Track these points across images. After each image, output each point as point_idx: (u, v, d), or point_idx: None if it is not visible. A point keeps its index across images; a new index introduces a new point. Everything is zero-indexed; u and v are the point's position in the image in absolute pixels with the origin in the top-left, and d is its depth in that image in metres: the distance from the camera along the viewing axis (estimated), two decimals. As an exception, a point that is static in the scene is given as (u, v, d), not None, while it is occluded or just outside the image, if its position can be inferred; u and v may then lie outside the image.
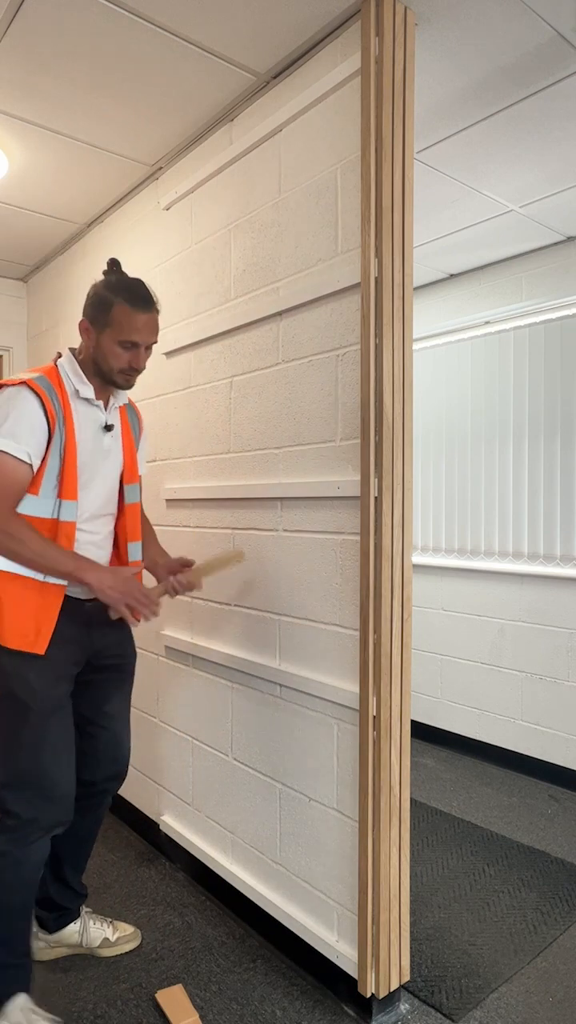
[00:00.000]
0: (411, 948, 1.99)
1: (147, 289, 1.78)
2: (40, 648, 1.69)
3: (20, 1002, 1.67)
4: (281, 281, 2.00)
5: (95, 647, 1.84)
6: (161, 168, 2.52)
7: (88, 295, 1.79)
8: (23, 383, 1.68)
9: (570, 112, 2.15)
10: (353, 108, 1.74)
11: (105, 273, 1.83)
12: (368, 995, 1.72)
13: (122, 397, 1.90)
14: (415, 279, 3.73)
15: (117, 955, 1.99)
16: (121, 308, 1.73)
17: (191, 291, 2.38)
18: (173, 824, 2.46)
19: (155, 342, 1.82)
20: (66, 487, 1.72)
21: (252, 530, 2.11)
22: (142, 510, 2.02)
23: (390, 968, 1.74)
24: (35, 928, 1.97)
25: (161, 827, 2.52)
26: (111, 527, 1.90)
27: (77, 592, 1.76)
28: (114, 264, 1.84)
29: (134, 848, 2.60)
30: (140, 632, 2.67)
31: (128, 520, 1.93)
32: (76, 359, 1.81)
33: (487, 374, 3.56)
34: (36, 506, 1.69)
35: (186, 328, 2.40)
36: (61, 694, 1.76)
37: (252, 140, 2.06)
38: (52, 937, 1.97)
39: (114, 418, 1.87)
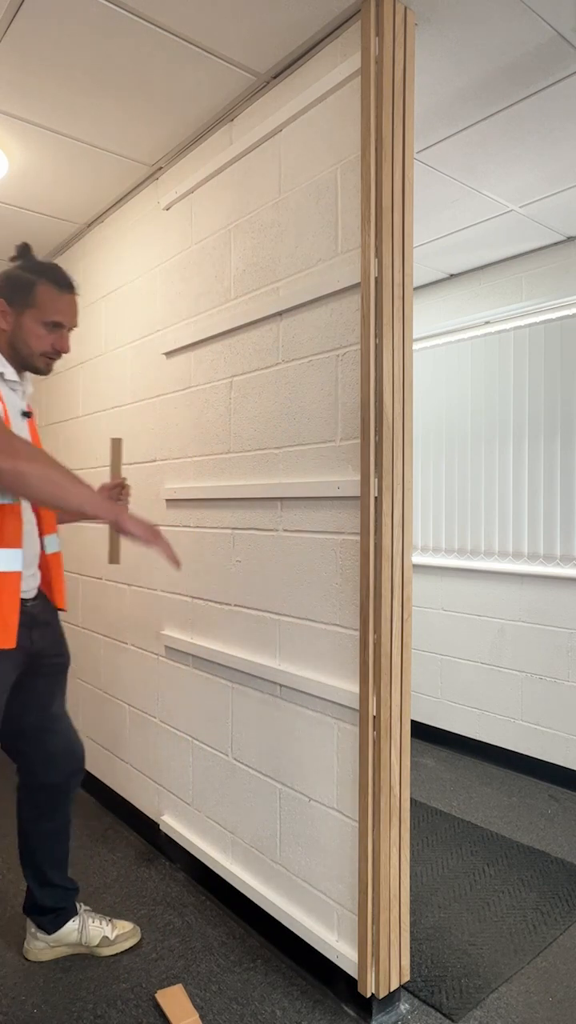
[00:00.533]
0: (411, 948, 1.99)
1: (68, 274, 1.79)
2: (7, 642, 1.62)
3: None
4: (281, 281, 2.00)
5: (36, 648, 1.81)
6: (161, 168, 2.52)
7: (2, 278, 1.75)
8: None
9: (570, 112, 2.15)
10: (353, 108, 1.74)
11: (14, 258, 1.80)
12: (368, 995, 1.73)
13: (28, 386, 1.85)
14: (415, 279, 3.74)
15: (117, 953, 1.99)
16: (46, 288, 1.71)
17: (191, 291, 2.38)
18: (173, 824, 2.46)
19: (76, 326, 1.80)
20: None
21: (252, 530, 2.11)
22: None
23: (390, 968, 1.74)
24: (33, 929, 1.98)
25: (161, 827, 2.52)
26: (31, 513, 1.82)
27: (23, 591, 1.73)
28: (26, 248, 1.81)
29: (134, 848, 2.60)
30: (140, 632, 2.67)
31: (43, 512, 1.85)
32: None
33: (487, 374, 3.56)
34: None
35: (186, 328, 2.40)
36: (6, 685, 1.71)
37: (252, 140, 2.06)
38: (51, 937, 1.98)
39: (26, 406, 1.83)
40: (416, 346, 3.86)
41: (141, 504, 2.66)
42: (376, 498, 1.68)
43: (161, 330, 2.53)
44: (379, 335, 1.67)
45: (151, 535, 1.62)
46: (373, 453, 1.68)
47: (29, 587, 1.80)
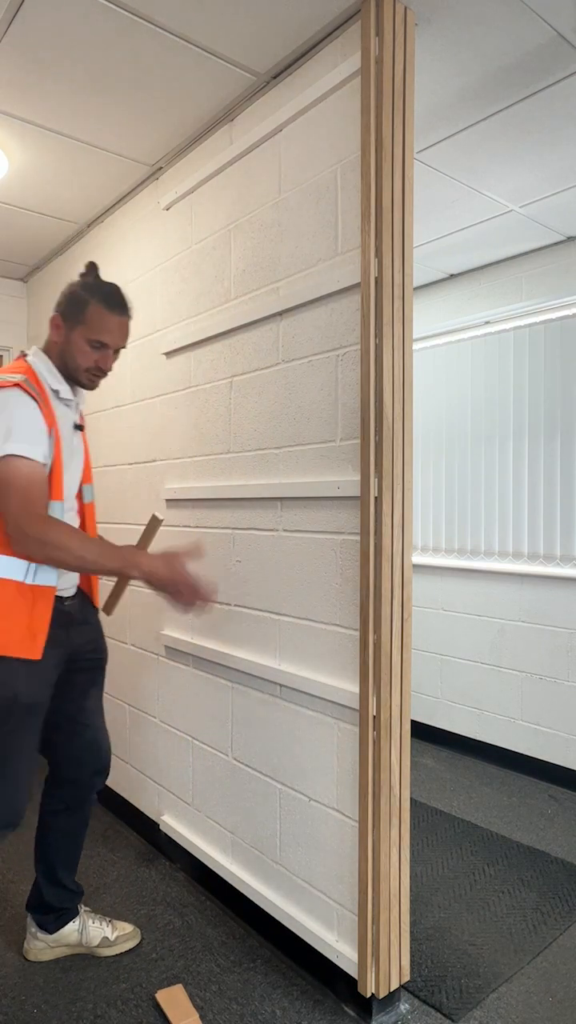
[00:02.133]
0: (411, 948, 1.99)
1: (124, 296, 1.81)
2: (36, 652, 1.68)
3: None
4: (281, 281, 2.00)
5: (74, 646, 1.85)
6: (161, 168, 2.52)
7: (63, 293, 1.81)
8: (15, 385, 1.66)
9: (570, 112, 2.15)
10: (353, 108, 1.74)
11: (82, 275, 1.84)
12: (368, 995, 1.72)
13: (82, 398, 1.91)
14: (415, 279, 3.73)
15: (117, 954, 1.99)
16: (96, 308, 1.75)
17: (191, 291, 2.38)
18: (173, 824, 2.46)
19: (124, 347, 1.84)
20: (55, 487, 1.71)
21: (252, 530, 2.11)
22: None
23: (390, 968, 1.74)
24: (34, 929, 1.98)
25: (161, 827, 2.52)
26: (75, 516, 1.91)
27: (60, 589, 1.77)
28: (93, 267, 1.85)
29: (134, 848, 2.60)
30: (140, 632, 2.67)
31: (87, 520, 1.94)
32: (48, 357, 1.81)
33: (487, 374, 3.56)
34: None
35: (186, 328, 2.40)
36: (45, 699, 1.76)
37: (252, 140, 2.06)
38: (52, 937, 1.97)
39: (79, 418, 1.88)
40: (416, 346, 3.86)
41: (141, 504, 2.66)
42: (376, 498, 1.68)
43: (161, 330, 2.53)
44: (379, 335, 1.67)
45: (186, 585, 1.69)
46: (373, 453, 1.68)
47: (69, 584, 1.84)
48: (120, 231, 2.81)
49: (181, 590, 1.68)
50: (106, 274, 2.90)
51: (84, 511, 1.93)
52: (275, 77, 1.99)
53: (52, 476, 1.71)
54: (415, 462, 3.89)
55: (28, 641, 1.67)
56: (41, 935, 1.98)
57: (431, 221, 2.97)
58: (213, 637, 2.27)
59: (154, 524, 1.87)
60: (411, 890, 2.29)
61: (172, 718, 2.49)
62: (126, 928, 2.04)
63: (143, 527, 1.91)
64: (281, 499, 2.00)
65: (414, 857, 2.55)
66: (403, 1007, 1.80)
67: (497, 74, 1.96)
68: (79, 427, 1.86)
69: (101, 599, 1.98)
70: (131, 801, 2.74)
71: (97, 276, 1.85)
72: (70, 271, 3.23)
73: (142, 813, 2.66)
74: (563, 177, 2.57)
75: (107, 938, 1.99)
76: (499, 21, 1.74)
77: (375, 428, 1.68)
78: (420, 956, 1.99)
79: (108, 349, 1.79)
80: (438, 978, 1.90)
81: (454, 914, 2.20)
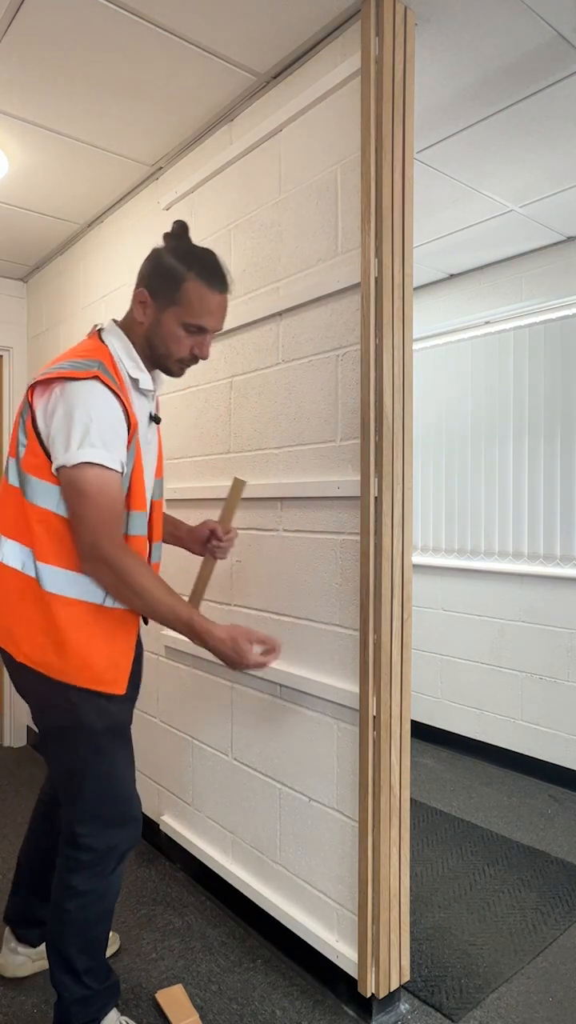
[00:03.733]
0: (411, 948, 1.99)
1: (224, 266, 1.53)
2: (120, 687, 1.49)
3: (113, 1017, 1.61)
4: (281, 281, 2.00)
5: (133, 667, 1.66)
6: (161, 168, 2.52)
7: (150, 260, 1.54)
8: (94, 377, 1.39)
9: (570, 112, 2.15)
10: (353, 108, 1.74)
11: (169, 236, 1.56)
12: (368, 995, 1.72)
13: (160, 385, 1.66)
14: (415, 279, 3.73)
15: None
16: (195, 285, 1.47)
17: (191, 291, 2.37)
18: (173, 824, 2.46)
19: (220, 330, 1.58)
20: (136, 496, 1.49)
21: (252, 530, 2.11)
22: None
23: (390, 968, 1.74)
24: (13, 944, 1.89)
25: (161, 827, 2.52)
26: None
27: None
28: (183, 227, 1.56)
29: (134, 848, 2.60)
30: (140, 632, 2.66)
31: (154, 519, 1.68)
32: (128, 337, 1.55)
33: (487, 374, 3.56)
34: None
35: (186, 328, 2.40)
36: (131, 714, 1.62)
37: (252, 140, 2.06)
38: (35, 950, 1.90)
39: (155, 408, 1.65)
40: (416, 346, 3.85)
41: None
42: (376, 498, 1.68)
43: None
44: (379, 335, 1.67)
45: (252, 662, 1.48)
46: (373, 453, 1.68)
47: None
48: (120, 231, 2.81)
49: (238, 666, 1.50)
50: (106, 274, 2.92)
51: (152, 508, 1.69)
52: (275, 77, 1.99)
53: (133, 483, 1.48)
54: (415, 462, 3.89)
55: (111, 672, 1.48)
56: (23, 949, 1.89)
57: (431, 221, 2.97)
58: (213, 637, 2.27)
59: (238, 488, 1.71)
60: (411, 890, 2.29)
61: (172, 718, 2.49)
62: None
63: (225, 494, 1.75)
64: (281, 499, 2.00)
65: (414, 857, 2.55)
66: (403, 1007, 1.80)
67: (497, 74, 1.96)
68: (156, 419, 1.61)
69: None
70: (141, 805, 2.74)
71: (189, 239, 1.55)
72: (70, 271, 3.23)
73: (142, 813, 2.66)
74: (563, 177, 2.57)
75: None
76: (499, 21, 1.74)
77: (375, 428, 1.68)
78: (420, 956, 1.99)
79: (206, 334, 1.53)
80: (438, 978, 1.90)
81: (454, 914, 2.20)
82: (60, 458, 1.39)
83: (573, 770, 3.19)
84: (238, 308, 2.15)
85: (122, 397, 1.43)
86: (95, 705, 1.49)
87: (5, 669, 1.68)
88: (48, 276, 3.48)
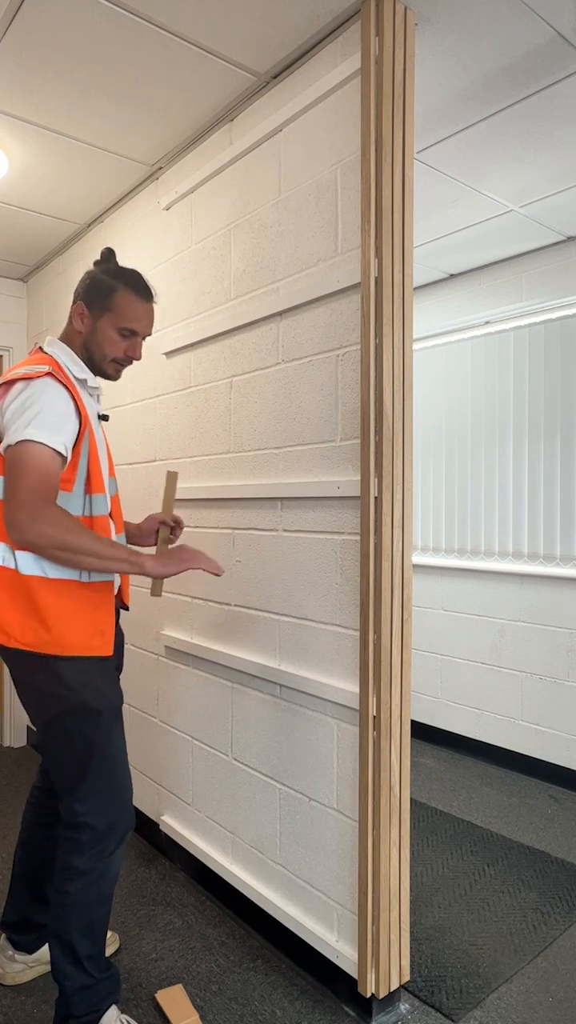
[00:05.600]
0: (411, 948, 1.99)
1: (148, 281, 1.77)
2: (108, 650, 1.63)
3: (113, 1014, 1.64)
4: (281, 281, 2.00)
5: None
6: (161, 168, 2.52)
7: (84, 281, 1.75)
8: (48, 374, 1.57)
9: (570, 112, 2.15)
10: (353, 108, 1.74)
11: (99, 263, 1.79)
12: (368, 995, 1.72)
13: (99, 389, 1.85)
14: (415, 279, 3.73)
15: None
16: (125, 294, 1.70)
17: (191, 291, 2.38)
18: (173, 824, 2.46)
19: (150, 334, 1.80)
20: (94, 481, 1.65)
21: (252, 530, 2.11)
22: None
23: (390, 968, 1.74)
24: (10, 951, 1.89)
25: (161, 827, 2.52)
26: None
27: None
28: (110, 253, 1.80)
29: (134, 848, 2.60)
30: (140, 632, 2.67)
31: (113, 515, 1.84)
32: (68, 347, 1.74)
33: (487, 374, 3.56)
34: (69, 504, 1.61)
35: (186, 328, 2.40)
36: (121, 695, 1.74)
37: (252, 140, 2.06)
38: (32, 956, 1.90)
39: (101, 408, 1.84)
40: (416, 346, 3.86)
41: (141, 504, 2.66)
42: (376, 498, 1.68)
43: (161, 330, 2.53)
44: (379, 335, 1.67)
45: (191, 563, 1.67)
46: (373, 453, 1.68)
47: (117, 582, 1.81)
48: (120, 231, 2.81)
49: (197, 566, 1.67)
50: (106, 274, 2.92)
51: (111, 503, 1.84)
52: (275, 77, 1.99)
53: (91, 470, 1.64)
54: (415, 462, 3.89)
55: (98, 638, 1.62)
56: (20, 956, 1.89)
57: (431, 221, 2.97)
58: (213, 637, 2.27)
59: (171, 481, 1.82)
60: (411, 890, 2.29)
61: (172, 718, 2.49)
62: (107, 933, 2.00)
63: (162, 490, 1.84)
64: (281, 499, 2.00)
65: (414, 857, 2.55)
66: (403, 1007, 1.80)
67: (497, 74, 1.96)
68: (103, 417, 1.80)
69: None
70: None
71: (116, 262, 1.79)
72: (70, 271, 3.23)
73: (142, 813, 2.66)
74: (563, 177, 2.57)
75: None
76: (499, 21, 1.74)
77: (375, 428, 1.68)
78: (420, 956, 1.99)
79: (137, 337, 1.74)
80: (438, 978, 1.90)
81: (454, 914, 2.20)
82: (6, 441, 1.53)
83: (573, 770, 3.19)
84: (238, 308, 2.15)
85: (75, 393, 1.60)
86: (92, 686, 1.61)
87: (6, 669, 1.72)
88: (48, 276, 3.48)
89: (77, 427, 1.60)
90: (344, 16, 1.75)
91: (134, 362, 1.80)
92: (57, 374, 1.60)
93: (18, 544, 1.54)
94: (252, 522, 2.11)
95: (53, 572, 1.58)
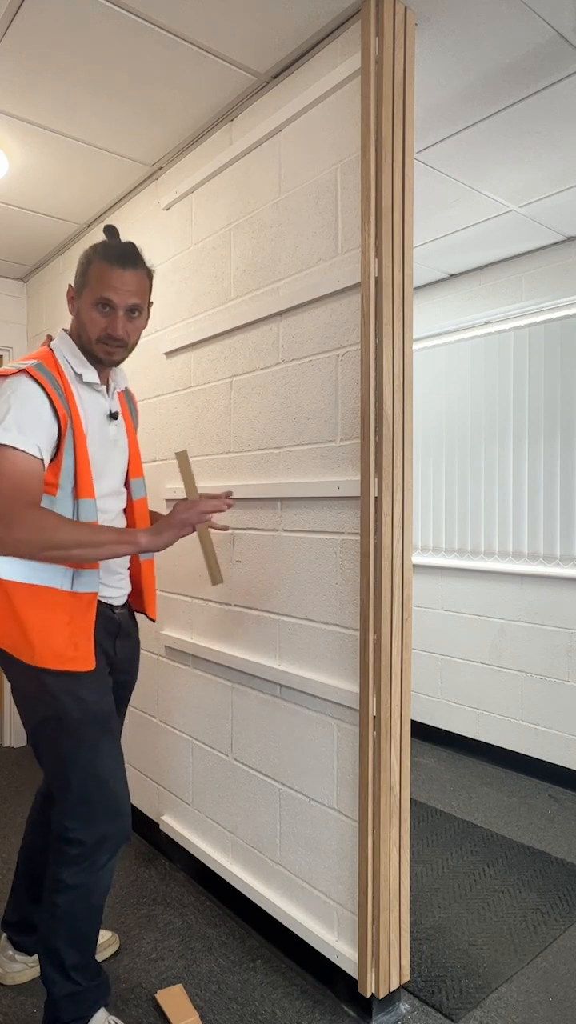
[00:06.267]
0: (411, 948, 1.99)
1: (132, 250, 1.61)
2: (85, 664, 1.55)
3: (102, 1016, 1.63)
4: (281, 281, 2.00)
5: (116, 659, 1.74)
6: (161, 168, 2.52)
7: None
8: (21, 371, 1.50)
9: (570, 112, 2.15)
10: (353, 108, 1.74)
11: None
12: (368, 995, 1.72)
13: (121, 381, 1.74)
14: (415, 279, 3.73)
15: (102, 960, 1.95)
16: (97, 264, 1.57)
17: (191, 291, 2.38)
18: (173, 824, 2.46)
19: (138, 306, 1.61)
20: (82, 485, 1.55)
21: (252, 530, 2.11)
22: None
23: (390, 968, 1.74)
24: (11, 951, 1.89)
25: (161, 827, 2.52)
26: (121, 519, 1.77)
27: (109, 597, 1.67)
28: (111, 230, 1.69)
29: (134, 848, 2.60)
30: (140, 632, 2.66)
31: (137, 519, 1.77)
32: (71, 338, 1.65)
33: (487, 374, 3.56)
34: (54, 509, 1.53)
35: (186, 328, 2.40)
36: (111, 705, 1.65)
37: (252, 140, 2.06)
38: (32, 957, 1.89)
39: (116, 405, 1.72)
40: (416, 346, 3.85)
41: (141, 504, 2.65)
42: (376, 498, 1.68)
43: (161, 330, 2.53)
44: (379, 335, 1.67)
45: (189, 521, 1.59)
46: (373, 453, 1.68)
47: (120, 593, 1.73)
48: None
49: (204, 513, 1.59)
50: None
51: (133, 508, 1.77)
52: (275, 77, 1.99)
53: (78, 473, 1.55)
54: (415, 462, 3.89)
55: (71, 651, 1.53)
56: (20, 956, 1.89)
57: (431, 221, 2.97)
58: (213, 637, 2.27)
59: (183, 461, 1.69)
60: (411, 890, 2.29)
61: (172, 718, 2.49)
62: (104, 935, 2.00)
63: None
64: (281, 499, 2.00)
65: (414, 857, 2.55)
66: (403, 1007, 1.80)
67: (497, 74, 1.96)
68: (114, 415, 1.67)
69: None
70: (131, 801, 2.74)
71: (117, 239, 1.66)
72: (70, 271, 3.23)
73: (142, 813, 2.66)
74: (563, 177, 2.57)
75: None
76: (499, 21, 1.74)
77: (375, 428, 1.68)
78: (420, 956, 1.99)
79: (116, 311, 1.58)
80: (438, 978, 1.90)
81: (454, 914, 2.20)
82: None
83: (573, 770, 3.19)
84: (238, 308, 2.15)
85: (51, 391, 1.50)
86: (72, 695, 1.55)
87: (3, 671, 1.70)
88: (48, 276, 3.48)
89: (56, 428, 1.51)
90: (344, 16, 1.75)
91: (129, 344, 1.64)
92: (41, 370, 1.51)
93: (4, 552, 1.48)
94: (252, 522, 2.11)
95: (32, 577, 1.52)
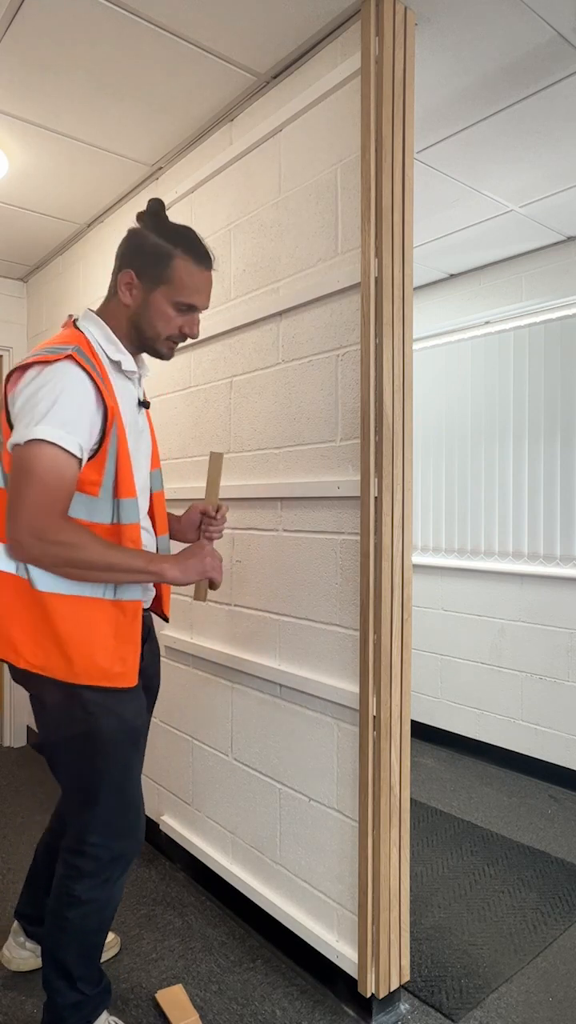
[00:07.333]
0: (411, 948, 1.99)
1: (206, 242, 1.53)
2: (130, 680, 1.45)
3: (102, 1018, 1.61)
4: (281, 281, 2.00)
5: (145, 665, 1.62)
6: (161, 168, 2.52)
7: (130, 242, 1.51)
8: (67, 356, 1.34)
9: (570, 112, 2.15)
10: (353, 108, 1.74)
11: (146, 216, 1.52)
12: (368, 995, 1.72)
13: (145, 369, 1.62)
14: (415, 279, 3.73)
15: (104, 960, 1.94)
16: (184, 262, 1.46)
17: (191, 291, 2.37)
18: (173, 824, 2.46)
19: (207, 307, 1.57)
20: (123, 483, 1.43)
21: (252, 530, 2.11)
22: None
23: (390, 968, 1.74)
24: (22, 938, 1.90)
25: (161, 827, 2.52)
26: (147, 520, 1.63)
27: (144, 602, 1.58)
28: (160, 204, 1.53)
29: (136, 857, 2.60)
30: (140, 632, 2.67)
31: (156, 515, 1.65)
32: (104, 321, 1.51)
33: (487, 374, 3.56)
34: (94, 510, 1.41)
35: (186, 328, 2.40)
36: (147, 723, 1.60)
37: (252, 140, 2.06)
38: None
39: (143, 392, 1.62)
40: (416, 346, 3.85)
41: (141, 504, 2.65)
42: (376, 498, 1.68)
43: (161, 330, 2.53)
44: (379, 335, 1.67)
45: (210, 573, 1.53)
46: (373, 453, 1.68)
47: (150, 596, 1.65)
48: (120, 231, 2.80)
49: (213, 575, 1.53)
50: (106, 274, 2.91)
51: (153, 501, 1.65)
52: (275, 77, 1.99)
53: (120, 470, 1.42)
54: (415, 462, 3.89)
55: (118, 666, 1.44)
56: (30, 945, 1.90)
57: (431, 221, 2.97)
58: (213, 637, 2.27)
59: (215, 463, 1.61)
60: (411, 890, 2.29)
61: (172, 718, 2.49)
62: (108, 936, 1.98)
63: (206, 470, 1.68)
64: (281, 499, 2.00)
65: (414, 857, 2.55)
66: (403, 1007, 1.80)
67: (497, 74, 1.96)
68: (144, 404, 1.58)
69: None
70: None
71: (166, 217, 1.52)
72: (70, 271, 3.23)
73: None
74: (563, 177, 2.57)
75: None
76: (499, 21, 1.74)
77: (375, 428, 1.68)
78: (420, 956, 1.99)
79: (196, 312, 1.51)
80: (438, 978, 1.90)
81: (454, 914, 2.20)
82: (13, 437, 1.34)
83: (573, 770, 3.19)
84: (238, 308, 2.15)
85: (98, 380, 1.38)
86: (112, 712, 1.46)
87: (6, 668, 1.68)
88: (48, 276, 3.48)
89: (101, 422, 1.38)
90: (344, 16, 1.75)
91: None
92: (84, 356, 1.38)
93: (21, 560, 1.39)
94: (252, 522, 2.11)
95: (72, 588, 1.40)
